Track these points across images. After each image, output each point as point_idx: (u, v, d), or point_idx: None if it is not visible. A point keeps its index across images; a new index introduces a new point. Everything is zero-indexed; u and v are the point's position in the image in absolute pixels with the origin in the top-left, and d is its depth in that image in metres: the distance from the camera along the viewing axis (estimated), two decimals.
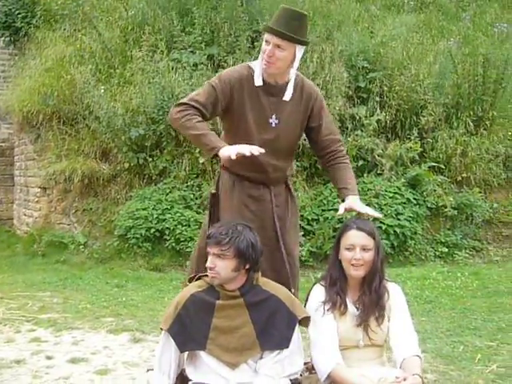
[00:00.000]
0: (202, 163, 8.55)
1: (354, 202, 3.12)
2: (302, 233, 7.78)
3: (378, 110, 8.97)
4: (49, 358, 4.72)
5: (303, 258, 7.67)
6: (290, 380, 2.79)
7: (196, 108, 3.05)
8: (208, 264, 2.79)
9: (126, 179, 9.02)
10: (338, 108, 8.57)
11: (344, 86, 8.90)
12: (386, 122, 8.98)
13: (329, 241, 7.81)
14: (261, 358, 2.80)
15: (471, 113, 9.27)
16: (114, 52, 9.75)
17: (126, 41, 9.93)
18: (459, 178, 9.04)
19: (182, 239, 8.15)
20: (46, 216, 9.70)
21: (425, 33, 10.57)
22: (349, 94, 9.05)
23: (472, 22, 11.26)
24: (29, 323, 5.69)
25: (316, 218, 8.28)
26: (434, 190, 8.69)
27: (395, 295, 2.92)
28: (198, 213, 8.32)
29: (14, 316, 5.91)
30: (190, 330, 2.78)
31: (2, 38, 11.98)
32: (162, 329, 2.84)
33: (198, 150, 8.26)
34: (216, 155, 2.94)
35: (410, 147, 8.81)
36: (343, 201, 3.19)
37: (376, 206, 7.96)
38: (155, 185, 8.79)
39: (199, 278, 2.95)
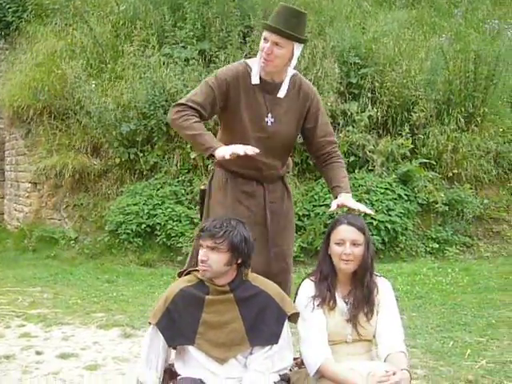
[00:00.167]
0: (194, 158, 8.55)
1: (346, 198, 3.13)
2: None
3: (370, 106, 8.99)
4: (39, 353, 4.73)
5: (294, 254, 7.65)
6: (280, 375, 2.78)
7: (194, 108, 3.06)
8: (200, 257, 2.77)
9: (116, 174, 9.02)
10: (329, 104, 8.56)
11: (335, 81, 8.91)
12: (377, 117, 9.01)
13: (320, 236, 7.80)
14: (251, 353, 2.79)
15: (462, 109, 9.29)
16: (105, 47, 9.73)
17: (117, 36, 9.91)
18: (450, 174, 9.07)
19: (172, 234, 8.14)
20: (37, 211, 9.68)
21: (416, 29, 10.57)
22: (340, 90, 9.06)
23: (464, 19, 11.27)
24: (19, 318, 5.69)
25: (307, 213, 8.29)
26: (425, 186, 8.73)
27: (384, 290, 2.93)
28: (189, 208, 8.32)
29: (3, 311, 5.91)
30: (179, 325, 2.77)
31: None
32: (150, 323, 2.84)
33: (189, 146, 8.25)
34: (212, 155, 2.94)
35: (402, 143, 8.83)
36: (336, 198, 3.19)
37: (367, 201, 7.98)
38: (146, 180, 8.79)
39: (189, 273, 2.94)
